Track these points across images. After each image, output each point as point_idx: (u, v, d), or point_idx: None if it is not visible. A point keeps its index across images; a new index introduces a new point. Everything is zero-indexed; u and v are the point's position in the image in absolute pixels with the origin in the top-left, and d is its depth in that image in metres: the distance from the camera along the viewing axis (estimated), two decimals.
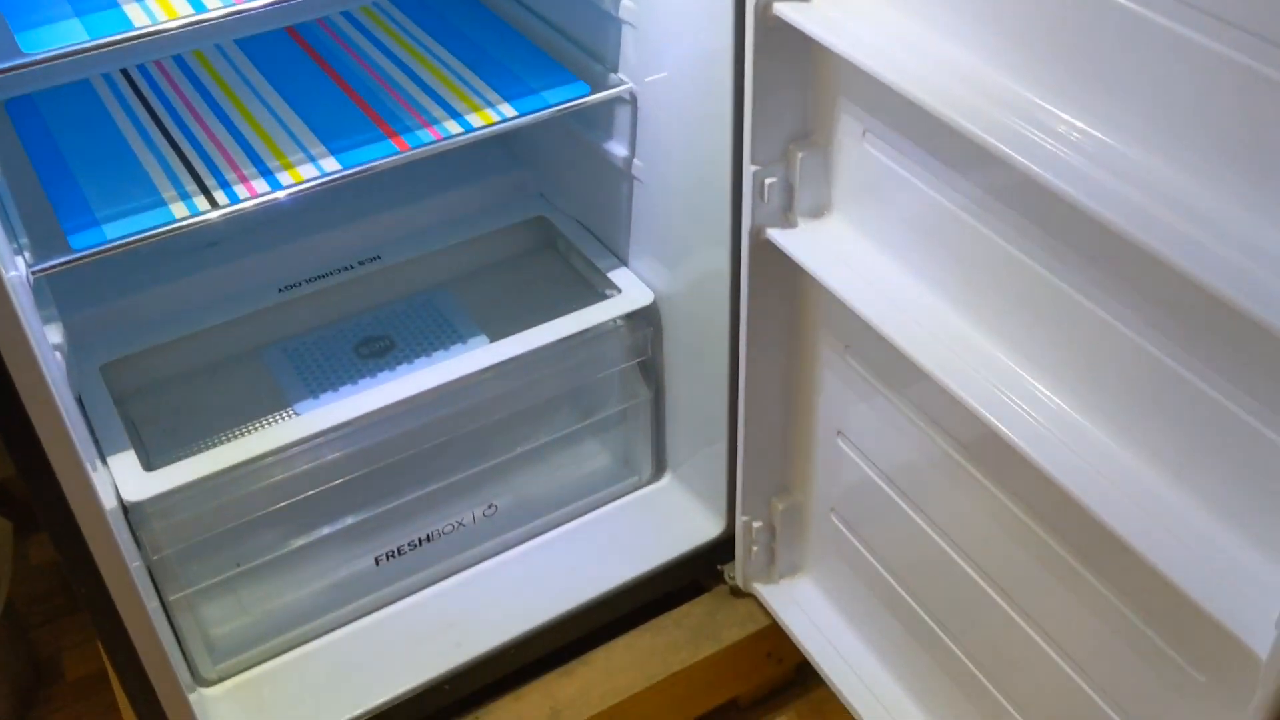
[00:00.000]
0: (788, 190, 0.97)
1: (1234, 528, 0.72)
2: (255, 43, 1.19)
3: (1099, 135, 0.72)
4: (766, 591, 1.22)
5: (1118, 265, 0.74)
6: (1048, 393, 0.83)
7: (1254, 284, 0.61)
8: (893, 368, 0.96)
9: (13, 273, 0.84)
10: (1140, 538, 0.73)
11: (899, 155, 0.89)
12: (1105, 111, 0.71)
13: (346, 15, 1.24)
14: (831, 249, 0.96)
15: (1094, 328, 0.77)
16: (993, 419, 0.82)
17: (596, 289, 1.25)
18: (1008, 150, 0.73)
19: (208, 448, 1.05)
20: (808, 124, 0.95)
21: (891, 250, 0.94)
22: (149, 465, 1.03)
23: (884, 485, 1.04)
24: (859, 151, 0.92)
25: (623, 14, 1.08)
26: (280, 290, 1.22)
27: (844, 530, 1.13)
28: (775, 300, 1.04)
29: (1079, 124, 0.73)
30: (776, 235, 0.97)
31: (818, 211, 0.98)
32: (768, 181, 0.96)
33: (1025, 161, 0.72)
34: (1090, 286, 0.77)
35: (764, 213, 0.97)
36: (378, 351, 1.20)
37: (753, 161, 0.95)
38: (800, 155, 0.95)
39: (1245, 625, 0.67)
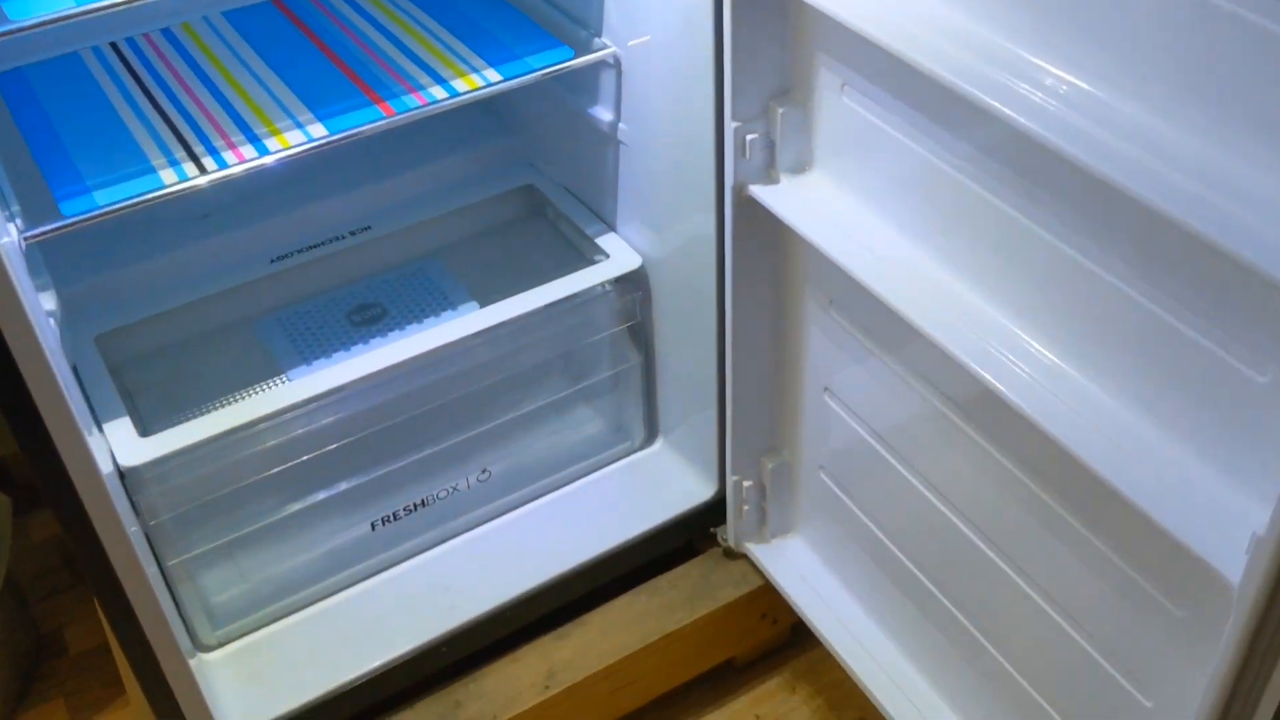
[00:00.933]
0: (769, 146, 0.98)
1: (1210, 463, 0.73)
2: (242, 15, 1.20)
3: (1080, 84, 0.73)
4: (759, 551, 1.24)
5: (1096, 212, 0.75)
6: (1031, 341, 0.84)
7: (1248, 235, 0.62)
8: (877, 322, 0.98)
9: (5, 239, 0.85)
10: (1120, 477, 0.74)
11: (878, 109, 0.90)
12: (1085, 59, 0.72)
13: None
14: (814, 204, 0.97)
15: (1077, 276, 0.78)
16: (977, 368, 0.83)
17: (585, 255, 1.26)
18: (988, 100, 0.74)
19: (202, 414, 1.06)
20: (787, 80, 0.96)
21: (874, 204, 0.95)
22: (144, 432, 1.04)
23: (871, 441, 1.05)
24: (838, 106, 0.93)
25: None
26: (272, 261, 1.23)
27: (833, 488, 1.14)
28: (759, 257, 1.05)
29: (1060, 73, 0.74)
30: (759, 192, 0.98)
31: (800, 167, 0.99)
32: (749, 138, 0.96)
33: (1006, 110, 0.73)
34: (1072, 234, 0.77)
35: (746, 169, 0.98)
36: (370, 319, 1.21)
37: (734, 118, 0.96)
38: (781, 111, 0.96)
39: (1219, 555, 0.68)
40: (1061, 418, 0.79)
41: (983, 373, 0.83)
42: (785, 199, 0.97)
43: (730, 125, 0.96)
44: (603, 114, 1.18)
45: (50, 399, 0.84)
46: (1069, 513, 0.86)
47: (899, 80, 0.86)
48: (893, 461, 1.03)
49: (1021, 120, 0.72)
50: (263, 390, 1.12)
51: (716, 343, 1.14)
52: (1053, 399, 0.80)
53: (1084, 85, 0.72)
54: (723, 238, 1.05)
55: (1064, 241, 0.78)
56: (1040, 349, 0.83)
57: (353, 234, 1.27)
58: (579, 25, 1.16)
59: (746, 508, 1.21)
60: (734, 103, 0.95)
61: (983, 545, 0.96)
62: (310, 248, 1.25)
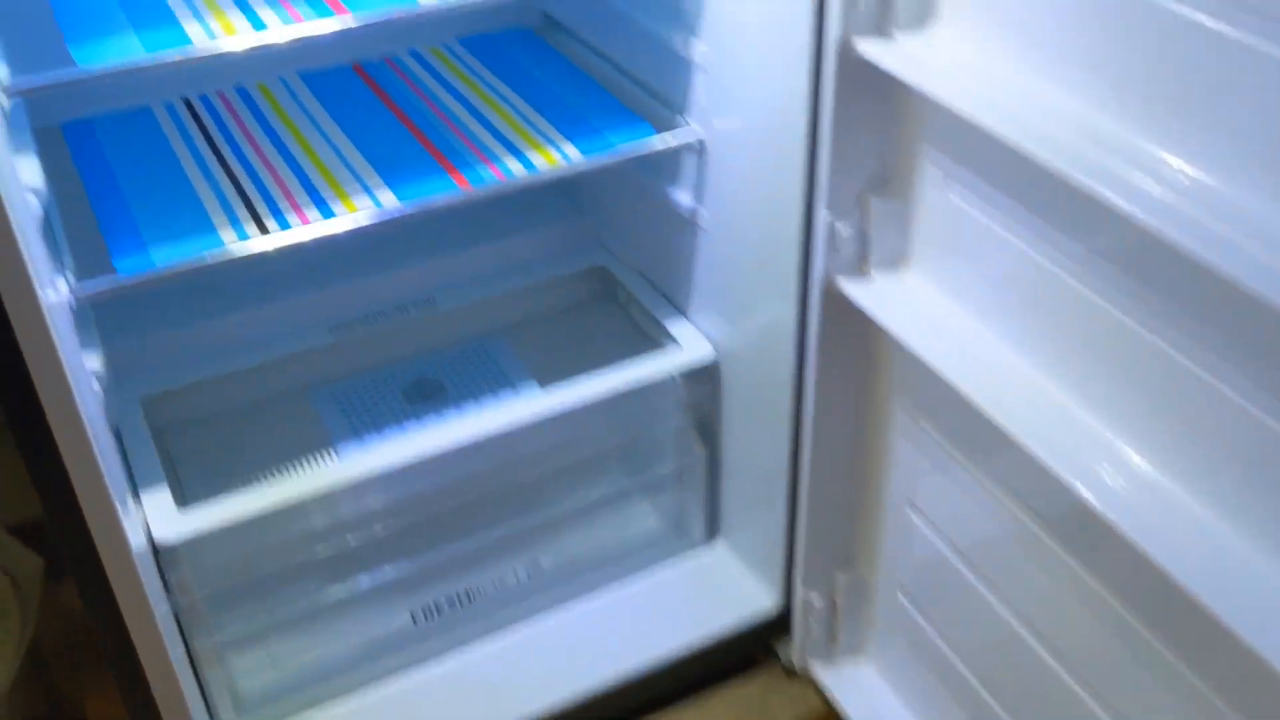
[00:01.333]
0: (862, 240, 0.91)
1: None
2: (319, 77, 1.17)
3: (1209, 181, 0.67)
4: (824, 674, 1.15)
5: (1222, 321, 0.68)
6: (1142, 461, 0.77)
7: None
8: (972, 433, 0.90)
9: (53, 296, 0.80)
10: (1227, 608, 0.67)
11: (985, 205, 0.83)
12: (1217, 154, 0.66)
13: (414, 54, 1.22)
14: (908, 303, 0.90)
15: (1195, 390, 0.71)
16: (1080, 486, 0.76)
17: (655, 342, 1.20)
18: (1108, 194, 0.68)
19: (246, 488, 1.01)
20: (886, 170, 0.90)
21: (974, 306, 0.88)
22: (184, 503, 0.99)
23: (958, 563, 0.97)
24: (941, 200, 0.87)
25: (696, 58, 1.04)
26: (331, 330, 1.18)
27: (911, 610, 1.05)
28: (845, 356, 0.98)
29: (1187, 168, 0.67)
30: (849, 287, 0.92)
31: (894, 263, 0.92)
32: (841, 230, 0.90)
33: (1127, 206, 0.67)
34: (1192, 345, 0.71)
35: (836, 263, 0.92)
36: (427, 396, 1.16)
37: (826, 208, 0.90)
38: (877, 203, 0.90)
39: None
40: (1174, 547, 0.72)
41: (1086, 493, 0.75)
42: (877, 296, 0.91)
43: (822, 216, 0.90)
44: (682, 197, 1.13)
45: (83, 469, 0.79)
46: (1166, 645, 0.78)
47: (1010, 174, 0.80)
48: (981, 589, 0.94)
49: (1144, 216, 0.66)
50: (310, 466, 1.06)
51: (790, 443, 1.07)
52: (1166, 527, 0.73)
53: (1206, 178, 0.66)
54: (804, 332, 0.98)
55: (1185, 354, 0.72)
56: (1155, 472, 0.76)
57: (416, 306, 1.22)
58: (664, 105, 1.11)
59: (814, 626, 1.13)
60: (828, 192, 0.89)
61: (1075, 684, 0.88)
62: (371, 318, 1.20)
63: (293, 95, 1.15)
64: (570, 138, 1.06)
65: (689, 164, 1.11)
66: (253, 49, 0.87)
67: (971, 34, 0.80)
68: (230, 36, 0.86)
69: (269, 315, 1.18)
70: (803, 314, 0.98)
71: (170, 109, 1.13)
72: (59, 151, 1.07)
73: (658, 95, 1.13)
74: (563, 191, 1.35)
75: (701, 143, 1.08)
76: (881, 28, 0.82)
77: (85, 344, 0.94)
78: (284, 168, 1.02)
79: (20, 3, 0.91)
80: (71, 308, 0.88)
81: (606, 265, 1.29)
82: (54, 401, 0.77)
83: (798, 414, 1.04)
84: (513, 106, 1.11)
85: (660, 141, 1.06)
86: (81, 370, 0.86)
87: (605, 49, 1.20)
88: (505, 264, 1.28)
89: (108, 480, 0.82)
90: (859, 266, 0.92)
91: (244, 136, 1.08)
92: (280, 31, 0.87)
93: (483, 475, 1.09)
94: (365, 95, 1.15)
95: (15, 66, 0.83)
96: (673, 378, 1.15)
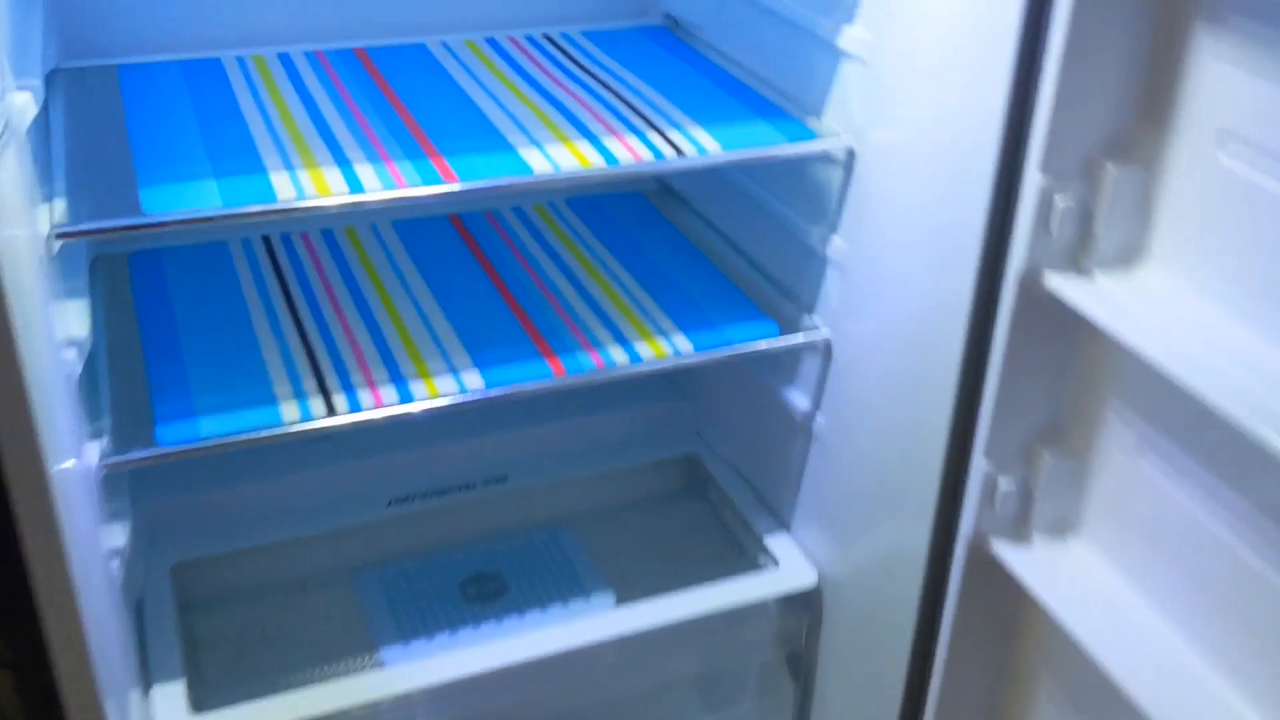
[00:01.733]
0: (1025, 498, 0.77)
1: None
2: (413, 226, 1.07)
3: None
4: None
5: None
6: None
7: None
8: None
9: (74, 464, 0.69)
10: None
11: (1182, 478, 0.69)
12: None
13: (517, 211, 1.12)
14: (1073, 578, 0.76)
15: None
16: None
17: (749, 555, 1.06)
18: None
19: (270, 691, 0.87)
20: (1062, 421, 0.76)
21: (1149, 588, 0.73)
22: (200, 702, 0.86)
23: None
24: (1130, 469, 0.72)
25: (831, 253, 0.93)
26: (390, 504, 1.06)
27: None
28: (986, 622, 0.83)
29: None
30: (1004, 550, 0.77)
31: (1060, 528, 0.78)
32: (1002, 484, 0.76)
33: None
34: None
35: (991, 520, 0.78)
36: (486, 595, 1.02)
37: (985, 456, 0.76)
38: (1048, 458, 0.76)
39: None
40: None
41: None
42: (1037, 566, 0.76)
43: (979, 465, 0.77)
44: (797, 399, 1.00)
45: (74, 676, 0.67)
46: None
47: (1216, 447, 0.66)
48: None
49: None
50: (347, 669, 0.93)
51: (903, 701, 0.91)
52: None
53: None
54: (935, 580, 0.84)
55: None
56: None
57: (486, 484, 1.10)
58: (787, 297, 0.99)
59: None
60: (988, 438, 0.76)
61: None
62: (435, 493, 1.08)
63: (381, 244, 1.05)
64: (681, 327, 0.94)
65: (810, 364, 0.98)
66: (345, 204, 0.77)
67: (1185, 279, 0.67)
68: (320, 196, 0.75)
69: (321, 481, 1.06)
70: (938, 562, 0.84)
71: (247, 246, 1.03)
72: (123, 280, 0.97)
73: (781, 286, 1.01)
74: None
75: (828, 343, 0.95)
76: (1078, 263, 0.70)
77: (113, 513, 0.82)
78: (362, 329, 0.91)
79: (100, 141, 0.82)
80: (98, 481, 0.77)
81: (699, 456, 1.16)
82: (52, 603, 0.65)
83: (920, 672, 0.88)
84: (619, 282, 1.00)
85: (782, 342, 0.94)
86: (94, 554, 0.74)
87: (725, 228, 1.09)
88: (587, 444, 1.16)
89: (100, 687, 0.69)
90: (1018, 528, 0.78)
91: (322, 286, 0.98)
92: (376, 194, 0.76)
93: (541, 698, 0.95)
94: (460, 252, 1.04)
95: (77, 205, 0.73)
96: (766, 603, 1.01)
